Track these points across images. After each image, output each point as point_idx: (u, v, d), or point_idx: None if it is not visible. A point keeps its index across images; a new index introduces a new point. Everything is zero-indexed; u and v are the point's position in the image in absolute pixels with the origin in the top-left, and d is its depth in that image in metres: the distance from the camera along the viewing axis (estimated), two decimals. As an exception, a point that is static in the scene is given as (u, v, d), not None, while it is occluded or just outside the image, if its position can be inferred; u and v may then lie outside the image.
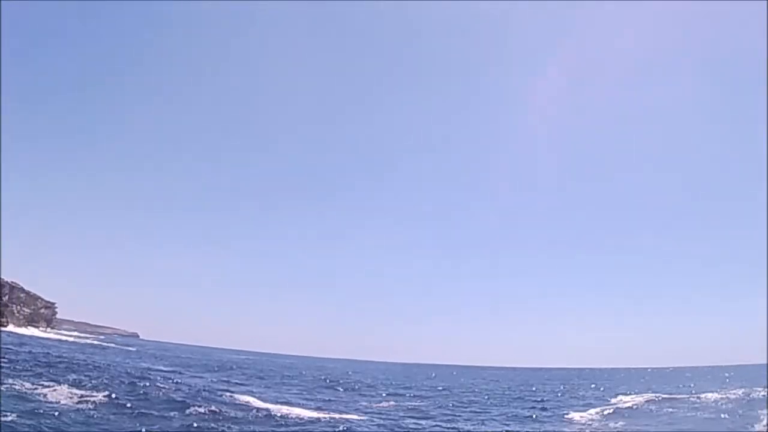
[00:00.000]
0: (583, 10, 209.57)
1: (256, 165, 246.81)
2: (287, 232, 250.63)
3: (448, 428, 22.46)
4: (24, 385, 20.75)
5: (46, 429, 15.14)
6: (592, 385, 52.51)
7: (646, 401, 31.83)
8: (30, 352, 38.57)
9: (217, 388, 28.93)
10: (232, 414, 20.22)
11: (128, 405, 19.59)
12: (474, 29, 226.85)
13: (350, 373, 67.57)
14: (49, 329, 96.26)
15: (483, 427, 23.42)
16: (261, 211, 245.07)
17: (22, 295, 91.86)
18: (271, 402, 25.32)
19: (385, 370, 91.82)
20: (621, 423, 24.10)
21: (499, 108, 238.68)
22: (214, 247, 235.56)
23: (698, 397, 31.65)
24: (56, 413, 16.88)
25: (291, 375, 52.07)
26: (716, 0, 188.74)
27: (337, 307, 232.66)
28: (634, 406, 29.68)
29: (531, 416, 26.72)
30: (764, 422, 21.29)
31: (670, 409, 27.81)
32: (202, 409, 20.14)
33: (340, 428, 19.61)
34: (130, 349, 74.87)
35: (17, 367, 26.74)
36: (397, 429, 21.17)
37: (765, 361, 60.70)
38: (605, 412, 27.15)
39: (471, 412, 28.55)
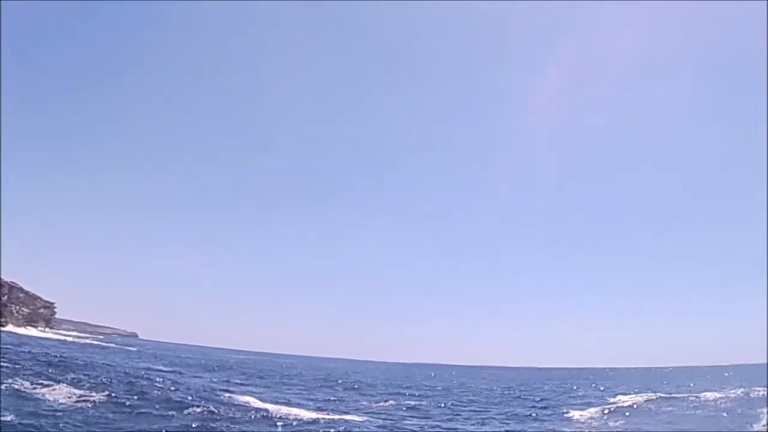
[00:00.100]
0: (583, 10, 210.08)
1: (256, 165, 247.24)
2: (287, 232, 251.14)
3: (447, 428, 22.43)
4: (23, 385, 20.73)
5: (46, 428, 15.11)
6: (592, 385, 52.48)
7: (646, 400, 31.77)
8: (29, 351, 38.47)
9: (216, 388, 28.92)
10: (232, 414, 20.20)
11: (127, 404, 19.57)
12: (474, 29, 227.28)
13: (350, 373, 67.59)
14: (48, 329, 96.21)
15: (483, 426, 23.40)
16: (261, 211, 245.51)
17: (21, 294, 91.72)
18: (271, 402, 25.27)
19: (384, 370, 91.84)
20: (621, 422, 24.13)
21: (499, 108, 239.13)
22: (214, 247, 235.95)
23: (698, 397, 31.59)
24: (55, 413, 16.86)
25: (291, 375, 52.07)
26: (716, 0, 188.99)
27: (337, 307, 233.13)
28: (634, 405, 29.66)
29: (531, 415, 26.72)
30: (764, 421, 21.26)
31: (670, 408, 27.77)
32: (201, 409, 20.12)
33: (340, 428, 19.56)
34: (130, 348, 74.80)
35: (16, 366, 26.69)
36: (396, 429, 21.13)
37: (765, 361, 60.62)
38: (605, 411, 27.14)
39: (470, 411, 28.52)
